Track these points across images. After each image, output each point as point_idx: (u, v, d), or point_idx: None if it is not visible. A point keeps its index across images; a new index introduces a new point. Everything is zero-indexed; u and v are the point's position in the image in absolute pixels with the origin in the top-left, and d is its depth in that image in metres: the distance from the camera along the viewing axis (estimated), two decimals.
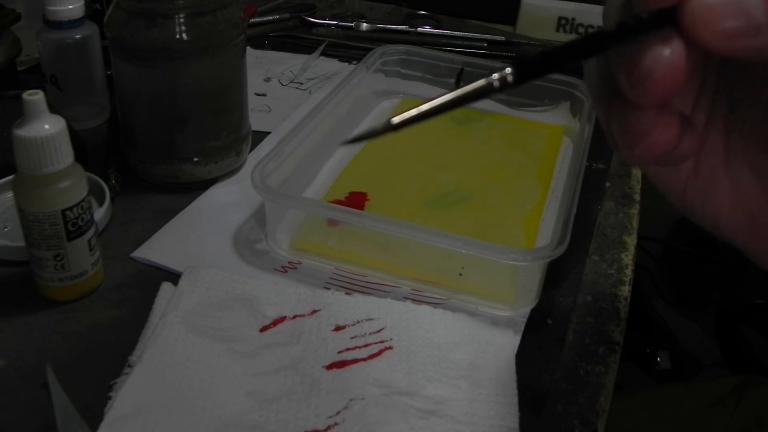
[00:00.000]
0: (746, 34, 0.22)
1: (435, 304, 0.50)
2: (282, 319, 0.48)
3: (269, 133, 0.70)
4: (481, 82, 0.24)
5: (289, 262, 0.54)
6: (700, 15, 0.22)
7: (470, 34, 0.92)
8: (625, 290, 0.54)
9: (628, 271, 0.56)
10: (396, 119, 0.24)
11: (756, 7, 0.22)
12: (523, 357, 0.47)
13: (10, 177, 0.48)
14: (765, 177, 0.28)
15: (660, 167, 0.30)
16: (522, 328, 0.49)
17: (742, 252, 0.30)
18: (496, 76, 0.24)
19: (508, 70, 0.24)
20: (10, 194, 0.52)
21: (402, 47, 0.77)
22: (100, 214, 0.55)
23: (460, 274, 0.52)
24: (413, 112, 0.24)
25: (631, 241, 0.60)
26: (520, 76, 0.24)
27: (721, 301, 1.47)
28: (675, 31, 0.23)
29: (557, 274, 0.54)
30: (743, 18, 0.22)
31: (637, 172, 0.70)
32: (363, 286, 0.52)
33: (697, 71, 0.29)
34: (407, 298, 0.51)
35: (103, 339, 0.47)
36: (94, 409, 0.41)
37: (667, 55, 0.23)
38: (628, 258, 0.58)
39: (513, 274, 0.52)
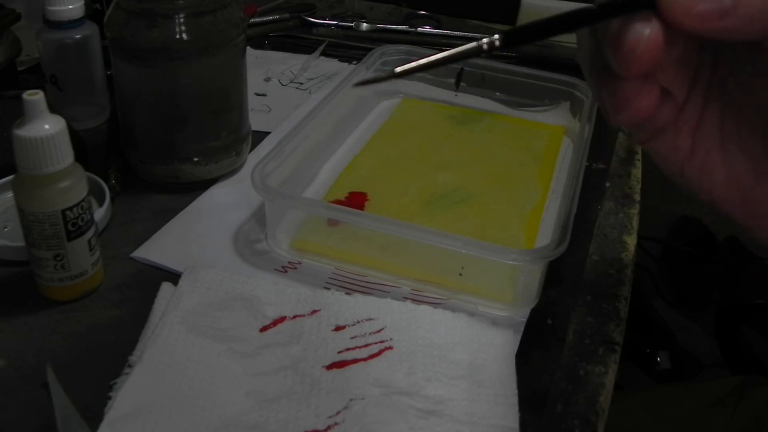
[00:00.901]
0: (714, 16, 0.25)
1: (435, 304, 0.50)
2: (282, 319, 0.48)
3: (269, 133, 0.70)
4: (472, 44, 0.27)
5: (289, 262, 0.54)
6: None
7: (470, 34, 0.92)
8: (625, 290, 0.54)
9: (628, 271, 0.56)
10: (399, 69, 0.28)
11: None
12: (523, 357, 0.47)
13: (10, 177, 0.48)
14: (755, 157, 0.31)
15: (658, 144, 0.32)
16: (522, 328, 0.49)
17: (735, 226, 0.32)
18: (485, 40, 0.27)
19: (497, 35, 0.27)
20: (10, 194, 0.52)
21: (402, 47, 0.77)
22: (100, 214, 0.55)
23: (460, 274, 0.52)
24: (414, 63, 0.28)
25: (631, 241, 0.60)
26: (507, 42, 0.27)
27: (721, 301, 1.47)
28: (653, 13, 0.26)
29: (557, 274, 0.54)
30: (713, 2, 0.25)
31: (636, 172, 0.70)
32: (363, 286, 0.52)
33: (691, 58, 0.31)
34: (407, 298, 0.51)
35: (103, 339, 0.47)
36: (94, 409, 0.41)
37: (647, 34, 0.26)
38: (628, 258, 0.58)
39: (513, 274, 0.52)
